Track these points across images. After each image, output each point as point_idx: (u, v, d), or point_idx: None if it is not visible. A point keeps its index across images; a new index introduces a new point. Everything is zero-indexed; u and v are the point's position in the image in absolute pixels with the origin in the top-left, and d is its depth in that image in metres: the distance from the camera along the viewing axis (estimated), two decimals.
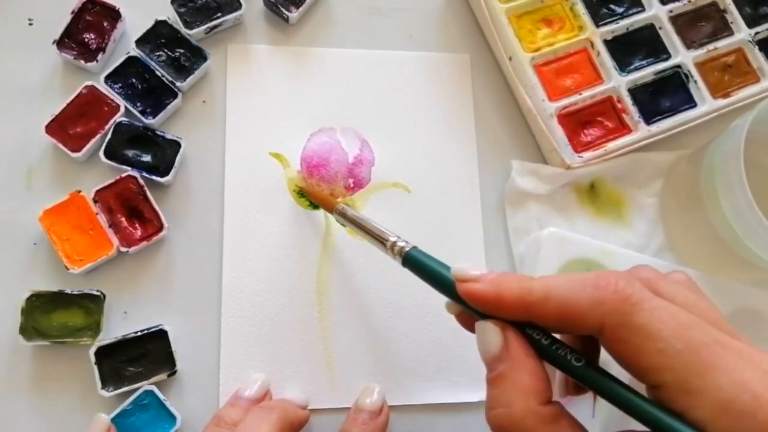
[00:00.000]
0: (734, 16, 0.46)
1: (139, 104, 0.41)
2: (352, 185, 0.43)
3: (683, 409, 0.22)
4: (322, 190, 0.41)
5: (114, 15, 0.41)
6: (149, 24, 0.41)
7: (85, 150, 0.39)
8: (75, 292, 0.37)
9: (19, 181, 0.40)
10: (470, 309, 0.27)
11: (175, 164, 0.40)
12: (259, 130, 0.43)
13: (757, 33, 0.46)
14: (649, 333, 0.23)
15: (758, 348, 0.23)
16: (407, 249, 0.31)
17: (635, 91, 0.45)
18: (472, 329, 0.28)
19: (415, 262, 0.31)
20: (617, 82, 0.44)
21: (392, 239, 0.32)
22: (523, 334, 0.26)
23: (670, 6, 0.46)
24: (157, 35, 0.42)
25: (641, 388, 0.24)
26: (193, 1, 0.42)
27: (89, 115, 0.40)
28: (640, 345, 0.23)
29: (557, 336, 0.26)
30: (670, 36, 0.46)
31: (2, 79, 0.41)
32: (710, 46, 0.46)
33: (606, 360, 0.26)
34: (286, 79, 0.44)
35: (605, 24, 0.45)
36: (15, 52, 0.42)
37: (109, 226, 0.38)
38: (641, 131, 0.44)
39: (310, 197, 0.41)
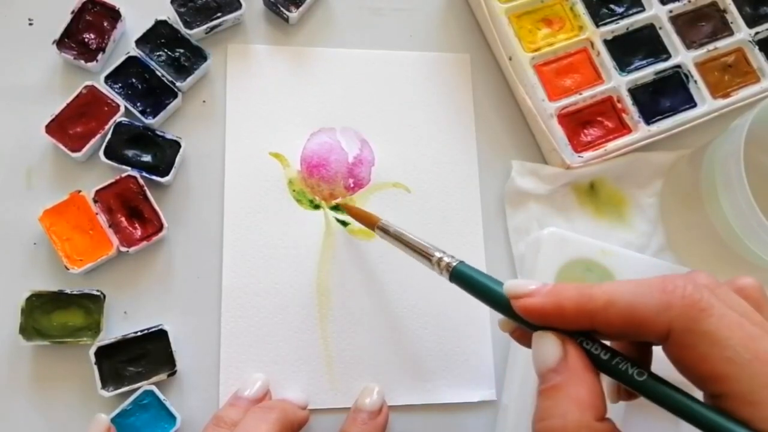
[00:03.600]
0: (734, 16, 0.46)
1: (139, 104, 0.41)
2: (352, 185, 0.43)
3: (746, 421, 0.22)
4: (362, 209, 0.40)
5: (114, 15, 0.41)
6: (149, 24, 0.41)
7: (85, 150, 0.39)
8: (75, 292, 0.37)
9: (19, 181, 0.40)
10: (524, 323, 0.26)
11: (175, 164, 0.40)
12: (259, 130, 0.43)
13: (757, 33, 0.46)
14: (717, 340, 0.22)
15: None
16: (455, 264, 0.31)
17: (635, 91, 0.45)
18: (527, 344, 0.27)
19: (463, 278, 0.30)
20: (617, 82, 0.44)
21: (438, 254, 0.32)
22: (581, 348, 0.25)
23: (670, 6, 0.46)
24: (157, 35, 0.42)
25: (698, 395, 0.24)
26: (193, 1, 0.42)
27: (89, 115, 0.40)
28: (706, 352, 0.22)
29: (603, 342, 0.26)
30: (670, 36, 0.46)
31: (2, 79, 0.41)
32: (710, 46, 0.46)
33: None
34: (286, 79, 0.44)
35: (605, 24, 0.45)
36: (15, 52, 0.42)
37: (109, 226, 0.38)
38: (641, 131, 0.44)
39: (351, 215, 0.41)
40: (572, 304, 0.25)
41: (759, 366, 0.22)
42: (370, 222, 0.38)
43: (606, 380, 0.25)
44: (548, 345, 0.25)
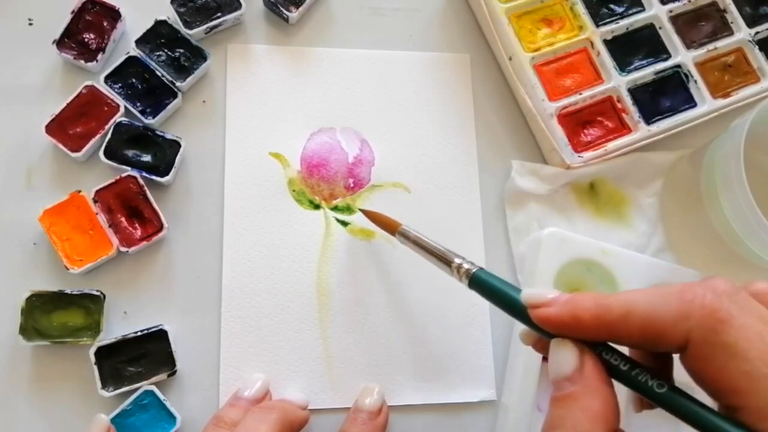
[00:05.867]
0: (734, 15, 0.46)
1: (139, 104, 0.41)
2: (352, 185, 0.43)
3: None
4: (383, 214, 0.40)
5: (114, 15, 0.41)
6: (149, 24, 0.41)
7: (85, 150, 0.39)
8: (75, 292, 0.37)
9: (19, 181, 0.40)
10: (542, 331, 0.26)
11: (175, 164, 0.40)
12: (259, 130, 0.43)
13: (757, 33, 0.46)
14: (735, 353, 0.22)
15: None
16: (474, 270, 0.30)
17: (635, 91, 0.45)
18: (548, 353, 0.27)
19: (482, 285, 0.30)
20: (617, 82, 0.44)
21: (457, 261, 0.32)
22: (599, 358, 0.25)
23: (670, 6, 0.46)
24: (157, 35, 0.42)
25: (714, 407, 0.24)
26: (193, 1, 0.42)
27: (89, 115, 0.40)
28: (723, 364, 0.22)
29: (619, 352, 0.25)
30: (670, 36, 0.46)
31: (2, 79, 0.41)
32: (710, 46, 0.46)
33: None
34: (286, 79, 0.44)
35: (605, 24, 0.45)
36: (15, 52, 0.42)
37: (109, 226, 0.38)
38: (641, 131, 0.44)
39: (372, 220, 0.40)
40: (589, 315, 0.24)
41: None
42: (391, 227, 0.38)
43: (629, 390, 0.25)
44: (565, 353, 0.25)
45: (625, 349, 0.26)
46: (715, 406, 0.23)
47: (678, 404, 0.23)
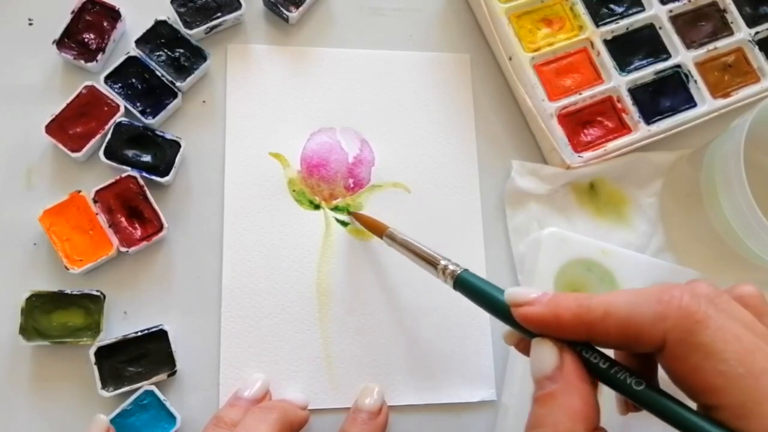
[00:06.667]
0: (734, 15, 0.46)
1: (139, 104, 0.41)
2: (352, 185, 0.43)
3: None
4: (371, 217, 0.40)
5: (114, 15, 0.41)
6: (149, 24, 0.41)
7: (85, 150, 0.39)
8: (75, 292, 0.37)
9: (19, 181, 0.40)
10: (524, 331, 0.27)
11: (175, 164, 0.40)
12: (259, 130, 0.43)
13: (757, 33, 0.46)
14: (711, 353, 0.22)
15: None
16: (458, 272, 0.31)
17: (635, 91, 0.45)
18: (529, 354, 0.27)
19: (467, 286, 0.30)
20: (617, 82, 0.44)
21: (443, 263, 0.32)
22: (579, 357, 0.25)
23: (670, 6, 0.46)
24: (157, 35, 0.42)
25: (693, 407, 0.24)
26: (193, 1, 0.42)
27: (89, 115, 0.40)
28: (699, 364, 0.22)
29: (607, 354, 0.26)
30: (670, 36, 0.46)
31: (2, 79, 0.41)
32: (710, 46, 0.46)
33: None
34: (286, 79, 0.44)
35: (605, 24, 0.45)
36: (15, 52, 0.42)
37: (109, 226, 0.38)
38: (641, 131, 0.44)
39: (360, 223, 0.41)
40: (570, 314, 0.25)
41: (751, 381, 0.22)
42: (378, 230, 0.39)
43: (616, 395, 0.25)
44: (545, 352, 0.25)
45: (610, 353, 0.26)
46: (694, 406, 0.24)
47: (655, 402, 0.24)
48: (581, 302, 0.25)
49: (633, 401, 0.24)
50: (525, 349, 0.29)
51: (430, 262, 0.33)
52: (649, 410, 0.24)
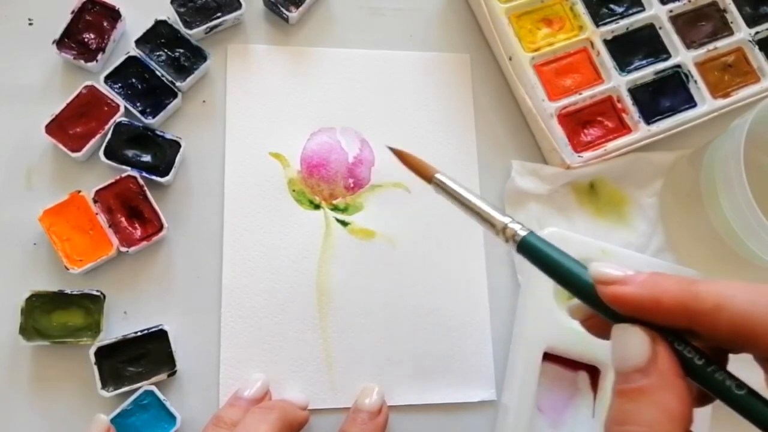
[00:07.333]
0: (734, 15, 0.46)
1: (139, 104, 0.41)
2: (352, 185, 0.43)
3: None
4: (416, 158, 0.34)
5: (114, 15, 0.41)
6: (149, 24, 0.41)
7: (85, 150, 0.39)
8: (75, 292, 0.37)
9: (19, 181, 0.40)
10: (605, 312, 0.24)
11: (175, 164, 0.40)
12: (259, 130, 0.43)
13: (757, 33, 0.46)
14: None
15: None
16: (523, 234, 0.27)
17: (635, 91, 0.45)
18: (602, 334, 0.25)
19: (534, 252, 0.26)
20: (617, 82, 0.44)
21: (505, 220, 0.28)
22: (673, 349, 0.22)
23: (670, 6, 0.46)
24: (157, 35, 0.42)
25: None
26: (193, 1, 0.42)
27: (89, 115, 0.40)
28: None
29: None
30: (670, 36, 0.46)
31: (2, 79, 0.41)
32: (710, 46, 0.45)
33: None
34: (286, 79, 0.44)
35: (605, 24, 0.45)
36: (15, 52, 0.42)
37: (109, 226, 0.38)
38: (641, 131, 0.44)
39: (403, 161, 0.34)
40: (673, 300, 0.22)
41: None
42: (424, 174, 0.33)
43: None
44: (635, 341, 0.22)
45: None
46: None
47: (757, 409, 0.21)
48: (687, 288, 0.22)
49: (729, 405, 0.22)
50: (593, 327, 0.26)
51: (486, 220, 0.29)
52: (750, 418, 0.21)
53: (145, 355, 0.37)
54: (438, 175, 0.32)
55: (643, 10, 0.46)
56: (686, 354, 0.22)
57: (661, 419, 0.21)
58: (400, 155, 0.34)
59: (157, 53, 0.42)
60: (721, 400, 0.22)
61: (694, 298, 0.22)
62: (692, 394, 0.23)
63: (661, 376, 0.22)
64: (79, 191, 0.39)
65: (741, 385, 0.21)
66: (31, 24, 0.42)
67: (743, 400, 0.21)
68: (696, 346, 0.23)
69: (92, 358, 0.36)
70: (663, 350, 0.22)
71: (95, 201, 0.39)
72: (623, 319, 0.23)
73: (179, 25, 0.42)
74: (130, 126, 0.40)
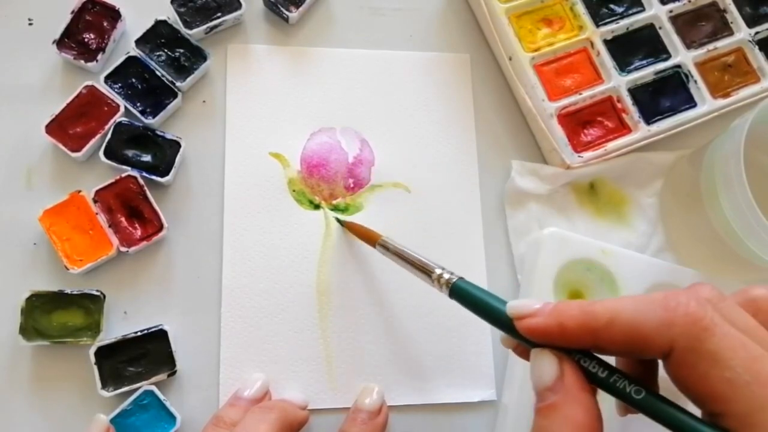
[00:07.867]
0: (734, 15, 0.46)
1: (139, 104, 0.41)
2: (352, 185, 0.43)
3: None
4: (363, 226, 0.40)
5: (114, 15, 0.41)
6: (149, 24, 0.41)
7: (85, 150, 0.39)
8: (75, 292, 0.37)
9: (19, 181, 0.40)
10: (524, 340, 0.26)
11: (175, 164, 0.40)
12: (259, 130, 0.43)
13: (757, 33, 0.46)
14: (718, 360, 0.22)
15: None
16: (454, 281, 0.31)
17: (635, 91, 0.45)
18: (528, 358, 0.27)
19: (463, 295, 0.30)
20: (617, 82, 0.44)
21: (438, 271, 0.32)
22: (579, 366, 0.25)
23: (670, 6, 0.46)
24: (157, 35, 0.42)
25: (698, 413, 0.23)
26: (193, 1, 0.42)
27: (89, 115, 0.40)
28: (706, 372, 0.22)
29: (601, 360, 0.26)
30: (670, 36, 0.46)
31: (2, 79, 0.41)
32: (710, 46, 0.46)
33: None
34: (286, 79, 0.44)
35: (605, 24, 0.45)
36: (15, 52, 0.42)
37: (109, 226, 0.38)
38: (641, 131, 0.44)
39: (352, 232, 0.41)
40: (575, 323, 0.24)
41: (758, 389, 0.22)
42: (370, 239, 0.38)
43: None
44: (545, 363, 0.25)
45: (610, 359, 0.26)
46: (699, 413, 0.23)
47: (656, 408, 0.23)
48: (585, 309, 0.24)
49: (635, 408, 0.24)
50: (523, 353, 0.29)
51: (424, 270, 0.33)
52: (650, 417, 0.24)
53: (145, 355, 0.37)
54: (382, 239, 0.37)
55: (643, 10, 0.46)
56: (591, 369, 0.25)
57: (569, 430, 0.23)
58: (347, 225, 0.41)
59: (157, 53, 0.42)
60: (627, 404, 0.24)
61: (592, 318, 0.24)
62: (616, 403, 0.27)
63: (568, 392, 0.24)
64: (79, 191, 0.39)
65: (639, 390, 0.24)
66: (31, 24, 0.42)
67: (642, 402, 0.24)
68: (602, 361, 0.25)
69: (92, 358, 0.36)
70: (569, 368, 0.25)
71: (95, 201, 0.39)
72: (541, 345, 0.26)
73: (179, 25, 0.42)
74: (130, 126, 0.40)
